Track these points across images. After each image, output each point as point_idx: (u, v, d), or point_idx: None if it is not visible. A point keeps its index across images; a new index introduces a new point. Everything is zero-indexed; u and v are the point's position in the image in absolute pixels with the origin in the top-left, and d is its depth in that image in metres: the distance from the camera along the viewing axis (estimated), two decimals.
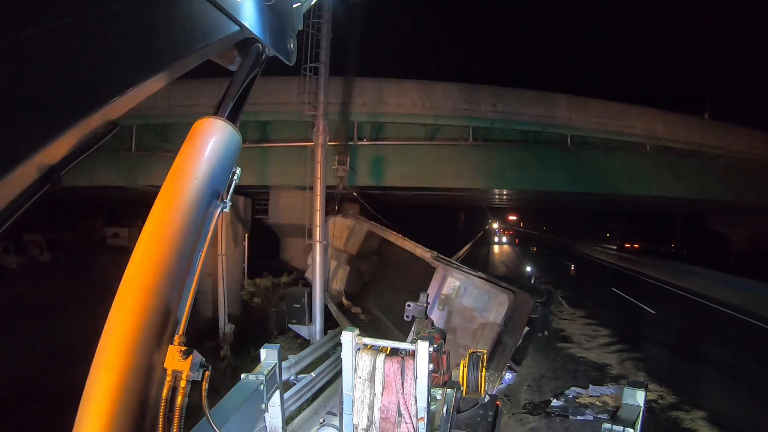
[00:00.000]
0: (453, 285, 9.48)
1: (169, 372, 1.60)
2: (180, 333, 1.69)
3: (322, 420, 4.15)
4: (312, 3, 2.94)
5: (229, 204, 2.01)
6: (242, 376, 2.91)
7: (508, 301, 8.76)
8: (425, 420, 3.46)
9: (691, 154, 16.51)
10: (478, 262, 31.47)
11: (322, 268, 10.69)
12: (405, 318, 6.25)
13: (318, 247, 10.62)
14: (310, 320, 10.83)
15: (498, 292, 8.96)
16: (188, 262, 1.76)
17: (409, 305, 6.17)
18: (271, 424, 3.02)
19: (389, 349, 3.74)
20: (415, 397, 3.47)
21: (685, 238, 39.47)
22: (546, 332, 13.25)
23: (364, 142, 14.59)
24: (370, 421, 3.59)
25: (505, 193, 23.21)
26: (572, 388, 9.18)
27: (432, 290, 9.40)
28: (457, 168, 15.28)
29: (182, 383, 1.63)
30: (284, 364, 7.24)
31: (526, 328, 8.98)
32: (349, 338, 3.60)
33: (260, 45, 2.27)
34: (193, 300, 1.81)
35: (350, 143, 13.72)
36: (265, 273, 13.84)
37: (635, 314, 16.13)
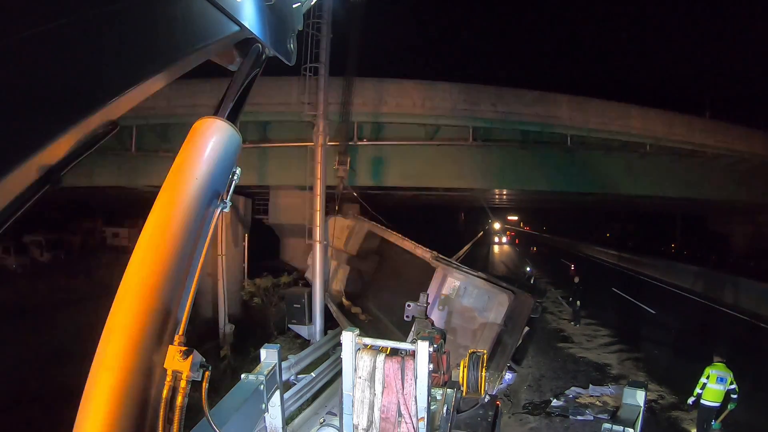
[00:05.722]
0: (453, 285, 9.48)
1: (169, 372, 1.60)
2: (180, 333, 1.69)
3: (322, 420, 4.15)
4: (312, 3, 2.94)
5: (229, 204, 2.01)
6: (242, 376, 2.92)
7: (508, 301, 8.77)
8: (425, 420, 3.47)
9: (691, 154, 16.50)
10: (478, 262, 31.46)
11: (322, 268, 10.69)
12: (405, 318, 6.25)
13: (318, 247, 10.62)
14: (310, 320, 10.83)
15: (498, 292, 8.97)
16: (188, 262, 1.76)
17: (409, 305, 6.18)
18: (271, 424, 3.02)
19: (389, 349, 3.74)
20: (415, 397, 3.48)
21: (685, 238, 39.45)
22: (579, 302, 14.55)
23: (364, 142, 14.57)
24: (370, 421, 3.59)
25: (505, 193, 23.20)
26: (572, 388, 9.18)
27: (432, 290, 9.40)
28: (457, 168, 15.27)
29: (182, 383, 1.63)
30: (284, 364, 7.24)
31: (526, 328, 8.99)
32: (349, 338, 3.61)
33: (260, 45, 2.27)
34: (193, 300, 1.81)
35: (350, 143, 13.70)
36: (265, 273, 13.84)
37: (635, 314, 16.13)
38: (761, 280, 17.32)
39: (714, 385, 6.96)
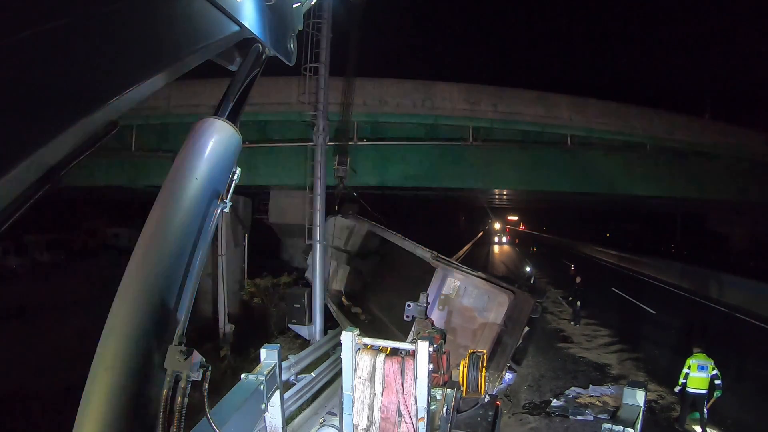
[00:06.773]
0: (453, 285, 9.48)
1: (169, 372, 1.59)
2: (180, 333, 1.69)
3: (322, 420, 4.15)
4: (312, 3, 2.94)
5: (229, 204, 2.01)
6: (242, 376, 2.91)
7: (508, 301, 8.77)
8: (425, 420, 3.46)
9: (691, 154, 16.49)
10: (478, 262, 31.45)
11: (322, 268, 10.68)
12: (405, 318, 6.25)
13: (318, 247, 10.61)
14: (310, 320, 10.83)
15: (498, 292, 8.97)
16: (188, 262, 1.76)
17: (409, 305, 6.17)
18: (271, 424, 3.02)
19: (389, 349, 3.74)
20: (415, 397, 3.48)
21: (685, 238, 39.41)
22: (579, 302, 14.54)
23: (364, 142, 14.57)
24: (370, 421, 3.59)
25: (505, 193, 23.21)
26: (572, 388, 9.19)
27: (432, 290, 9.40)
28: (457, 168, 15.27)
29: (182, 383, 1.62)
30: (284, 364, 7.23)
31: (526, 328, 8.99)
32: (349, 338, 3.61)
33: (260, 45, 2.27)
34: (193, 300, 1.81)
35: (350, 143, 13.70)
36: (265, 273, 13.83)
37: (635, 314, 16.13)
38: (761, 280, 17.32)
39: (696, 374, 7.44)
